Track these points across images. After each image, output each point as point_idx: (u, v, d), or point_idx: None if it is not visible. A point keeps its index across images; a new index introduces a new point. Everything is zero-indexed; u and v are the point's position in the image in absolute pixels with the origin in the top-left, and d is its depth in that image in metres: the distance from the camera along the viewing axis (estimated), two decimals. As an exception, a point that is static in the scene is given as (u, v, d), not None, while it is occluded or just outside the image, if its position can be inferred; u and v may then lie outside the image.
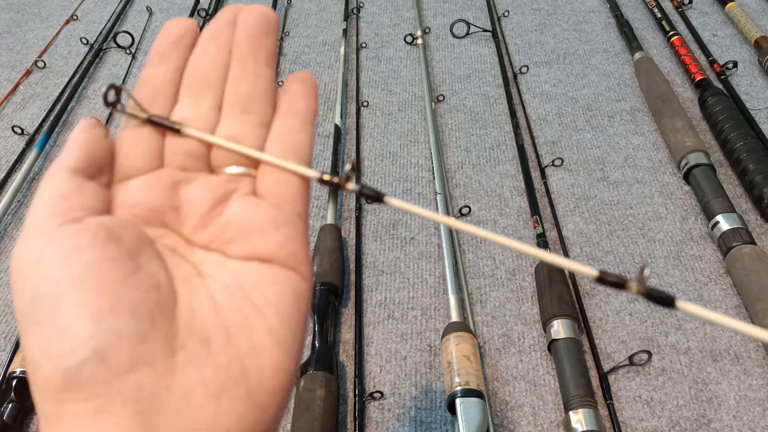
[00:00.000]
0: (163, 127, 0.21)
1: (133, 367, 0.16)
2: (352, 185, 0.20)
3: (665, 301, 0.17)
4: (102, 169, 0.20)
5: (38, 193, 0.19)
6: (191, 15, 1.33)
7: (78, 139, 0.20)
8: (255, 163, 0.21)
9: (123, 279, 0.17)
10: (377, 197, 0.20)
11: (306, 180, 0.21)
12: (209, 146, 0.21)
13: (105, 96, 0.20)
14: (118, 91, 0.20)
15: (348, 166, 0.20)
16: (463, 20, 1.24)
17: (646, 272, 0.17)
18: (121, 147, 0.21)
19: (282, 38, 1.27)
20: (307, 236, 0.21)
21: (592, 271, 0.18)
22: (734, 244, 0.78)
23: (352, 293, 0.78)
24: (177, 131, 0.20)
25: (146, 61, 0.22)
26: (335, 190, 0.20)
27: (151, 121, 0.21)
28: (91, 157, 0.20)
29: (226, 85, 0.21)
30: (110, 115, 1.08)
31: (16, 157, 0.99)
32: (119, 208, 0.20)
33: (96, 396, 0.15)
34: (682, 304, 0.17)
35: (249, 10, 0.21)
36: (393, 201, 0.20)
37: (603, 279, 0.18)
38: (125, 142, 0.21)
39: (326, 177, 0.20)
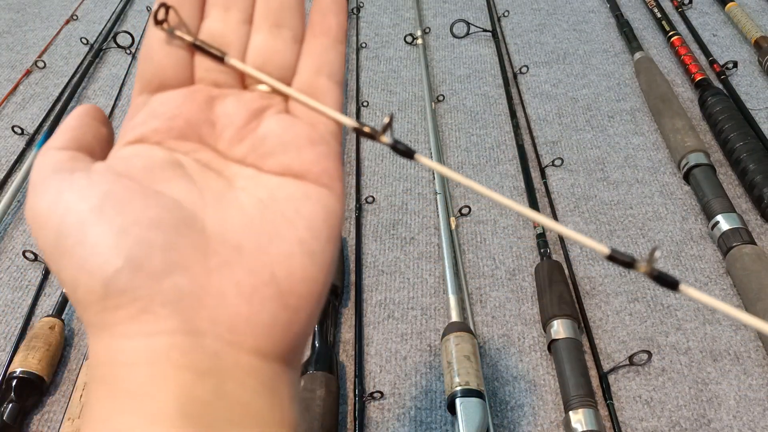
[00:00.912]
0: (208, 54, 0.20)
1: (167, 272, 0.17)
2: (386, 138, 0.20)
3: (670, 283, 0.18)
4: (92, 154, 0.20)
5: (35, 166, 0.19)
6: (191, 15, 1.33)
7: (69, 124, 0.21)
8: (288, 83, 0.21)
9: (141, 200, 0.18)
10: (408, 153, 0.20)
11: (339, 101, 0.21)
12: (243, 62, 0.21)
13: (155, 14, 0.20)
14: (167, 10, 0.20)
15: (387, 119, 0.20)
16: (463, 20, 1.24)
17: (657, 254, 0.17)
18: (153, 57, 0.21)
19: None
20: (341, 156, 0.21)
21: (604, 249, 0.18)
22: (734, 244, 0.78)
23: (352, 293, 0.78)
24: (221, 60, 0.20)
25: None
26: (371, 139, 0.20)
27: (196, 46, 0.20)
28: (80, 143, 0.20)
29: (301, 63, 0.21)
30: (113, 109, 1.08)
31: (16, 157, 0.99)
32: (157, 117, 0.20)
33: (137, 299, 0.16)
34: (685, 287, 0.18)
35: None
36: (423, 159, 0.20)
37: (614, 257, 0.18)
38: (157, 53, 0.21)
39: (365, 128, 0.20)
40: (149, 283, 0.16)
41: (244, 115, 0.20)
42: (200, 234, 0.18)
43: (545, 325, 0.72)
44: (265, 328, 0.17)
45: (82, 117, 0.21)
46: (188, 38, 0.20)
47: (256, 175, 0.20)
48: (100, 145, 0.21)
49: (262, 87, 0.21)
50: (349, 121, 0.20)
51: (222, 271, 0.17)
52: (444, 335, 0.69)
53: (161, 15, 0.20)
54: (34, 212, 0.18)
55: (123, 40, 1.23)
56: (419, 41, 1.23)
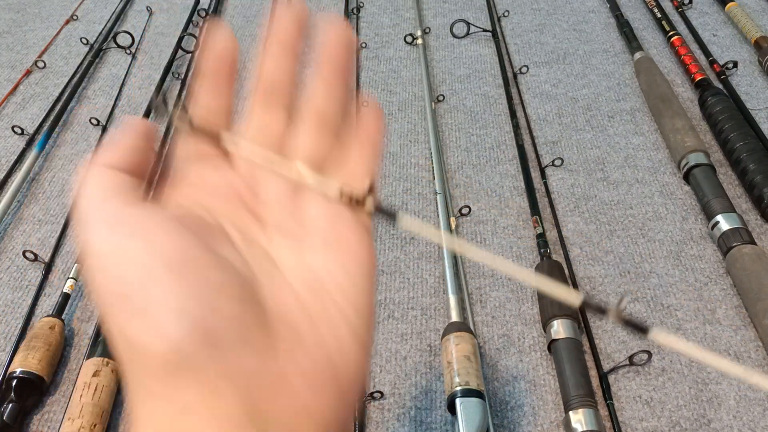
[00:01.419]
0: (209, 135, 0.21)
1: (237, 348, 0.16)
2: (368, 205, 0.21)
3: (640, 328, 0.19)
4: (140, 178, 0.20)
5: (84, 186, 0.18)
6: (191, 15, 1.33)
7: (124, 140, 0.20)
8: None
9: (207, 261, 0.17)
10: (391, 215, 0.21)
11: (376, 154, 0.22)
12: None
13: (155, 105, 0.21)
14: (165, 98, 0.21)
15: (368, 184, 0.21)
16: (463, 20, 1.24)
17: (623, 303, 0.18)
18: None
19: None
20: (371, 227, 0.21)
21: (576, 298, 0.19)
22: (734, 244, 0.78)
23: (352, 293, 0.78)
24: (216, 138, 0.21)
25: (199, 74, 0.22)
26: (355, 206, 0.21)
27: (198, 129, 0.21)
28: (131, 164, 0.19)
29: (307, 99, 0.22)
30: (112, 109, 1.08)
31: (16, 157, 0.99)
32: (202, 183, 0.20)
33: (204, 374, 0.15)
34: (655, 333, 0.19)
35: (330, 26, 0.22)
36: (406, 220, 0.21)
37: (587, 304, 0.19)
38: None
39: (347, 193, 0.20)
40: (218, 357, 0.15)
41: (285, 188, 0.20)
42: (261, 309, 0.17)
43: (545, 325, 0.72)
44: (324, 417, 0.17)
45: (137, 135, 0.20)
46: (210, 130, 0.22)
47: (298, 250, 0.19)
48: (146, 169, 0.20)
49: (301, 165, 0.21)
50: (333, 190, 0.21)
51: (287, 354, 0.17)
52: (444, 335, 0.69)
53: (158, 102, 0.21)
54: (90, 249, 0.17)
55: (123, 40, 1.23)
56: (419, 41, 1.23)
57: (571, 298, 0.19)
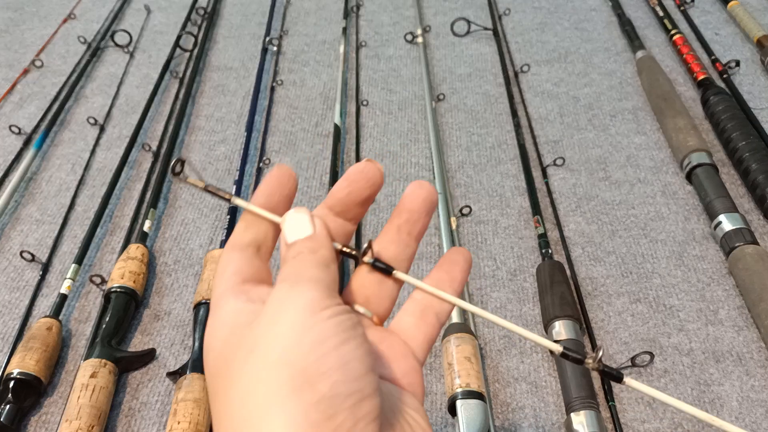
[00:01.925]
0: (217, 196, 0.25)
1: None
2: (367, 259, 0.25)
3: (615, 377, 0.21)
4: (267, 256, 0.25)
5: (221, 266, 0.25)
6: (189, 14, 1.32)
7: (258, 227, 0.25)
8: (381, 314, 0.26)
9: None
10: (387, 270, 0.25)
11: (434, 339, 0.25)
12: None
13: (173, 168, 0.24)
14: (183, 163, 0.24)
15: (365, 245, 0.25)
16: (464, 18, 1.23)
17: (601, 353, 0.21)
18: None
19: (281, 37, 1.27)
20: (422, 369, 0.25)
21: (557, 347, 0.21)
22: (737, 244, 0.78)
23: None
24: (227, 200, 0.25)
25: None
26: (354, 261, 0.26)
27: (207, 190, 0.25)
28: (260, 244, 0.25)
29: (378, 240, 0.26)
30: (110, 108, 1.07)
31: (13, 156, 0.98)
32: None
33: None
34: (629, 380, 0.21)
35: (421, 187, 0.26)
36: (400, 275, 0.25)
37: (566, 355, 0.21)
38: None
39: (345, 249, 0.25)
40: None
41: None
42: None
43: (546, 326, 0.71)
44: None
45: (277, 188, 0.25)
46: (201, 185, 0.25)
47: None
48: (273, 244, 0.25)
49: (358, 307, 0.25)
50: (336, 245, 0.24)
51: None
52: (444, 336, 0.68)
53: (178, 168, 0.24)
54: (210, 348, 0.22)
55: (121, 38, 1.23)
56: (419, 40, 1.22)
57: (552, 346, 0.21)
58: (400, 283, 0.26)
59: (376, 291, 0.25)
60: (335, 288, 0.22)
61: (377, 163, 0.25)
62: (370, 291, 0.25)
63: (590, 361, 0.20)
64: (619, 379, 0.21)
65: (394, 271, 0.24)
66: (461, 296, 0.27)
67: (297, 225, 0.23)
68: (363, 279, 0.25)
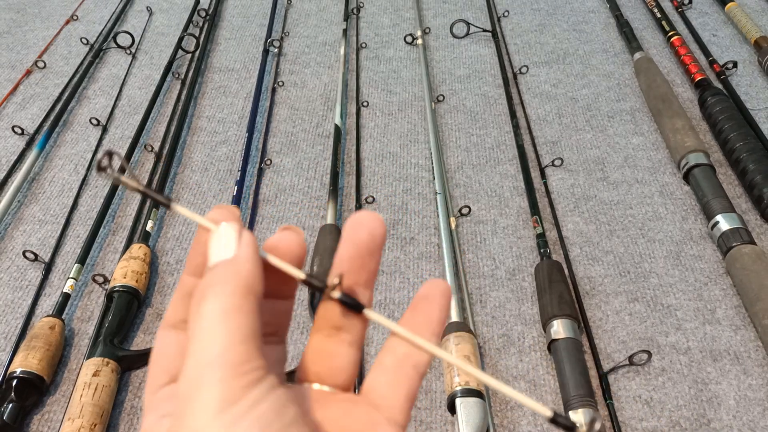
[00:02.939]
0: (154, 200, 0.21)
1: None
2: (336, 294, 0.20)
3: (354, 306, 0.20)
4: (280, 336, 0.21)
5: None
6: (191, 16, 1.33)
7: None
8: (343, 385, 0.21)
9: None
10: (357, 307, 0.20)
11: (415, 392, 0.21)
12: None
13: (99, 162, 0.20)
14: (111, 157, 0.20)
15: (336, 279, 0.20)
16: (463, 20, 1.24)
17: (597, 426, 0.18)
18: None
19: (282, 38, 1.27)
20: None
21: (546, 412, 0.18)
22: (734, 244, 0.78)
23: (352, 293, 0.78)
24: (167, 206, 0.20)
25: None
26: (320, 291, 0.20)
27: (141, 192, 0.20)
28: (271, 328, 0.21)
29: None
30: (112, 109, 1.08)
31: (16, 157, 0.99)
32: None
33: None
34: (369, 312, 0.20)
35: (359, 222, 0.21)
36: (372, 315, 0.21)
37: (555, 420, 0.18)
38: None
39: (314, 280, 0.20)
40: None
41: (301, 405, 0.20)
42: None
43: (545, 325, 0.72)
44: None
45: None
46: (133, 185, 0.20)
47: None
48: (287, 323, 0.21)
49: (315, 386, 0.21)
50: (299, 273, 0.20)
51: None
52: (444, 335, 0.69)
53: (104, 162, 0.20)
54: None
55: (123, 40, 1.24)
56: (419, 41, 1.23)
57: (542, 410, 0.18)
58: (359, 343, 0.21)
59: (333, 355, 0.21)
60: (252, 343, 0.17)
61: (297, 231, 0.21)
62: (328, 357, 0.21)
63: (583, 430, 0.18)
64: (359, 308, 0.19)
65: (365, 310, 0.20)
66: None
67: (222, 242, 0.19)
68: (320, 344, 0.21)
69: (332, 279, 0.20)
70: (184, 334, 0.20)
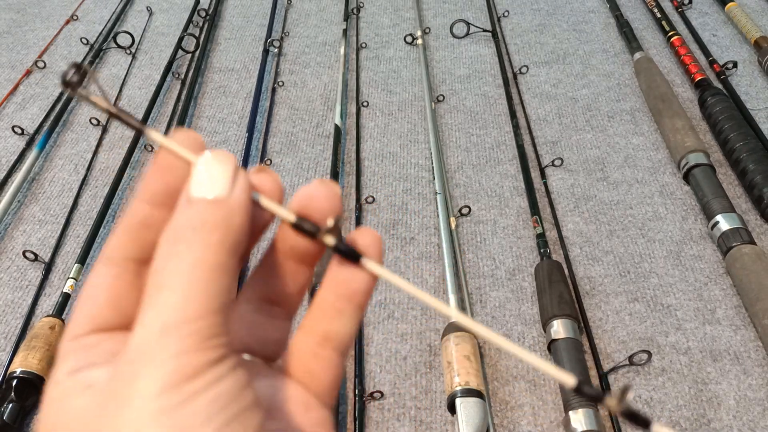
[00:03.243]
0: (126, 123, 0.18)
1: None
2: (330, 239, 0.17)
3: (642, 422, 0.16)
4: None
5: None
6: (191, 16, 1.33)
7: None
8: (273, 357, 0.19)
9: None
10: (353, 255, 0.17)
11: (339, 377, 0.18)
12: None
13: (65, 76, 0.17)
14: (80, 70, 0.17)
15: (332, 222, 0.17)
16: (463, 20, 1.24)
17: (629, 395, 0.16)
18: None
19: (282, 38, 1.27)
20: (335, 422, 0.18)
21: (570, 380, 0.16)
22: (734, 244, 0.78)
23: (352, 293, 0.78)
24: (141, 132, 0.18)
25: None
26: (311, 237, 0.17)
27: (112, 115, 0.18)
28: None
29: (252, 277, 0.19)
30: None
31: (16, 157, 0.99)
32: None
33: None
34: (658, 427, 0.16)
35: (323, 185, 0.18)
36: (370, 264, 0.17)
37: (580, 390, 0.16)
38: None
39: (305, 224, 0.17)
40: None
41: None
42: None
43: (545, 325, 0.72)
44: None
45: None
46: (104, 105, 0.18)
47: None
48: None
49: (245, 356, 0.18)
50: (288, 215, 0.17)
51: None
52: (444, 335, 0.69)
53: (72, 76, 0.17)
54: None
55: (123, 40, 1.24)
56: (419, 41, 1.23)
57: (565, 379, 0.16)
58: (293, 315, 0.19)
59: (264, 327, 0.19)
60: (224, 314, 0.15)
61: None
62: (259, 329, 0.19)
63: (613, 401, 0.15)
64: (647, 424, 0.16)
65: (365, 260, 0.17)
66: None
67: (210, 175, 0.16)
68: (250, 315, 0.18)
69: (327, 222, 0.17)
70: (126, 276, 0.17)
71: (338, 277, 0.18)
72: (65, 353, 0.16)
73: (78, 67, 0.17)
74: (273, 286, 0.18)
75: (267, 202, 0.17)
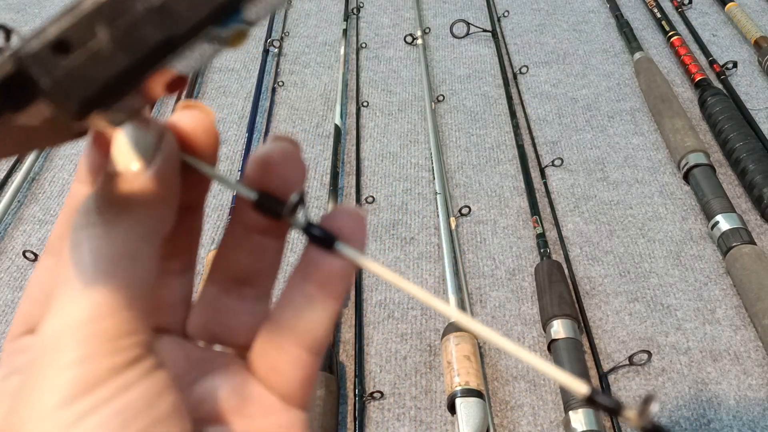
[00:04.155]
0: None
1: None
2: (298, 220, 0.15)
3: None
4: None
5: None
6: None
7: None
8: (243, 345, 0.16)
9: None
10: (327, 240, 0.14)
11: (311, 381, 0.16)
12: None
13: None
14: (8, 32, 0.12)
15: (296, 197, 0.15)
16: (463, 20, 1.24)
17: (654, 408, 0.14)
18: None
19: (282, 38, 1.27)
20: (308, 423, 0.16)
21: (582, 388, 0.14)
22: (734, 244, 0.78)
23: (352, 293, 0.78)
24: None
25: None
26: (275, 218, 0.15)
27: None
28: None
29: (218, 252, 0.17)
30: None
31: (16, 157, 0.99)
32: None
33: None
34: None
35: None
36: (346, 251, 0.15)
37: (593, 400, 0.14)
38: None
39: (270, 203, 0.15)
40: None
41: (181, 366, 0.16)
42: None
43: (545, 325, 0.72)
44: None
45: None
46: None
47: None
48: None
49: (216, 347, 0.17)
50: (249, 193, 0.15)
51: None
52: (444, 335, 0.69)
53: None
54: None
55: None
56: (419, 41, 1.23)
57: (578, 387, 0.14)
58: (268, 296, 0.17)
59: (233, 312, 0.16)
60: (143, 301, 0.13)
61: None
62: (226, 314, 0.16)
63: (632, 414, 0.13)
64: (330, 243, 0.14)
65: (339, 245, 0.14)
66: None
67: (131, 144, 0.13)
68: (216, 299, 0.16)
69: (291, 198, 0.14)
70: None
71: (308, 255, 0.15)
72: (3, 356, 0.15)
73: (5, 29, 0.14)
74: (239, 263, 0.16)
75: (211, 171, 0.15)
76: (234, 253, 0.16)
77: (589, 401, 0.14)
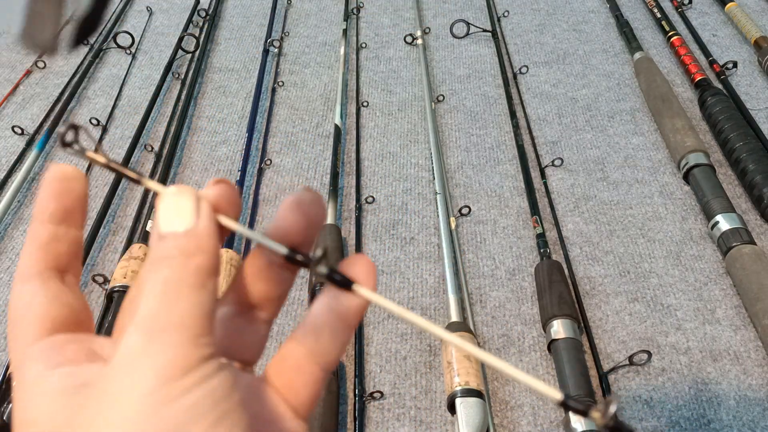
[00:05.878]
0: (124, 175, 0.19)
1: None
2: (322, 268, 0.18)
3: None
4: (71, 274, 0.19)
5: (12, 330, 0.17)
6: (191, 16, 1.33)
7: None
8: (250, 361, 0.19)
9: None
10: (346, 283, 0.18)
11: (319, 392, 0.19)
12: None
13: (63, 136, 0.19)
14: (77, 130, 0.19)
15: (320, 252, 0.18)
16: (463, 20, 1.24)
17: (612, 408, 0.16)
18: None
19: (282, 38, 1.27)
20: None
21: (556, 395, 0.16)
22: (734, 244, 0.78)
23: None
24: (137, 182, 0.19)
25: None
26: (304, 267, 0.18)
27: (111, 168, 0.19)
28: (57, 261, 0.18)
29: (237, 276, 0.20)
30: (113, 109, 1.08)
31: (16, 157, 0.99)
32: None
33: None
34: None
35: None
36: (362, 291, 0.18)
37: (566, 404, 0.16)
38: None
39: (298, 256, 0.18)
40: None
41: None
42: None
43: (545, 325, 0.72)
44: None
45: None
46: (101, 160, 0.19)
47: None
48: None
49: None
50: (281, 249, 0.18)
51: None
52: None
53: (70, 137, 0.19)
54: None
55: (123, 40, 1.24)
56: (419, 41, 1.23)
57: (552, 394, 0.16)
58: (273, 319, 0.20)
59: (243, 330, 0.19)
60: (209, 320, 0.16)
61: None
62: (237, 332, 0.19)
63: (597, 414, 0.16)
64: (348, 285, 0.17)
65: (356, 287, 0.18)
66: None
67: (176, 209, 0.17)
68: (229, 319, 0.19)
69: (316, 252, 0.18)
70: (53, 283, 0.18)
71: (330, 294, 0.18)
72: (32, 356, 0.17)
73: (75, 127, 0.19)
74: (256, 290, 0.19)
75: (250, 233, 0.18)
76: (254, 280, 0.19)
77: (563, 405, 0.16)
